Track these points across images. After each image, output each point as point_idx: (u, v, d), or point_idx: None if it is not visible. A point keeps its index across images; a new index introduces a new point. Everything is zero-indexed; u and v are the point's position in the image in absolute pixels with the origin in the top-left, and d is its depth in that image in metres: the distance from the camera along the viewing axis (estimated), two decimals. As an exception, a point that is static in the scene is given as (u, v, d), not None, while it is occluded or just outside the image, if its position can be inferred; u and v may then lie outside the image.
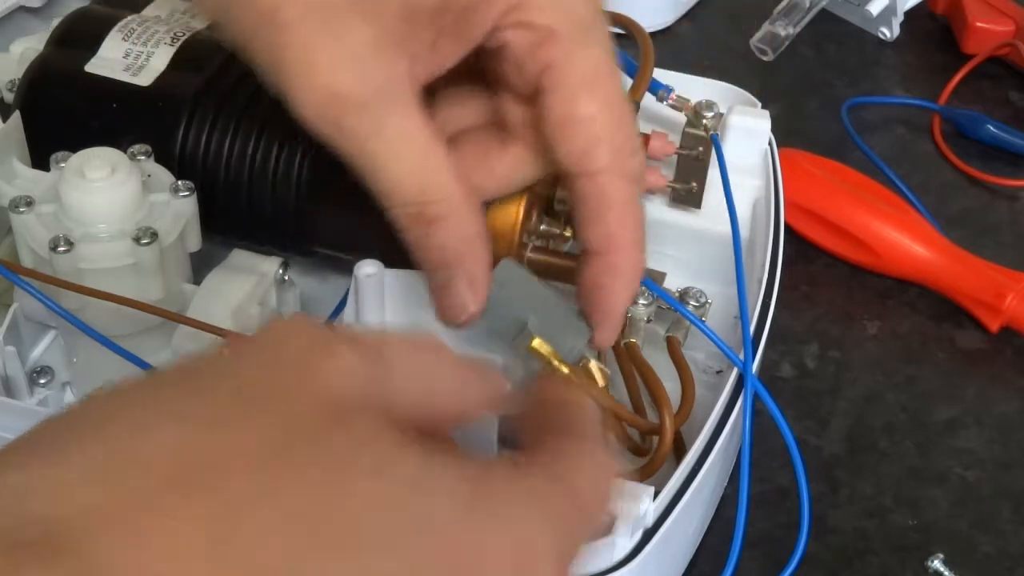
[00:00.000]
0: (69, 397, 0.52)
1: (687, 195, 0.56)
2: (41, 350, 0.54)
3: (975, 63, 0.76)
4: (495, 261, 0.44)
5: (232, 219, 0.53)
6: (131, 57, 0.54)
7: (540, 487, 0.31)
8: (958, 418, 0.58)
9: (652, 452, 0.47)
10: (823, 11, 0.77)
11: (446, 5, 0.40)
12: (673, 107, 0.56)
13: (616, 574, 0.42)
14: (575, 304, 0.46)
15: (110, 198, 0.48)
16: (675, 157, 0.56)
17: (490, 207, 0.47)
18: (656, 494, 0.43)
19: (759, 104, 0.58)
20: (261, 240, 0.53)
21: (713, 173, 0.55)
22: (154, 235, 0.47)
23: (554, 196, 0.52)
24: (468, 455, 0.31)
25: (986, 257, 0.63)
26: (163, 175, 0.50)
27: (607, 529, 0.42)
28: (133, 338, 0.48)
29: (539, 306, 0.45)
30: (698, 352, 0.54)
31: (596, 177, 0.43)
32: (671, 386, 0.48)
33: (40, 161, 0.51)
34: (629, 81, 0.55)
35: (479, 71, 0.46)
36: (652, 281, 0.51)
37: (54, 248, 0.47)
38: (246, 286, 0.50)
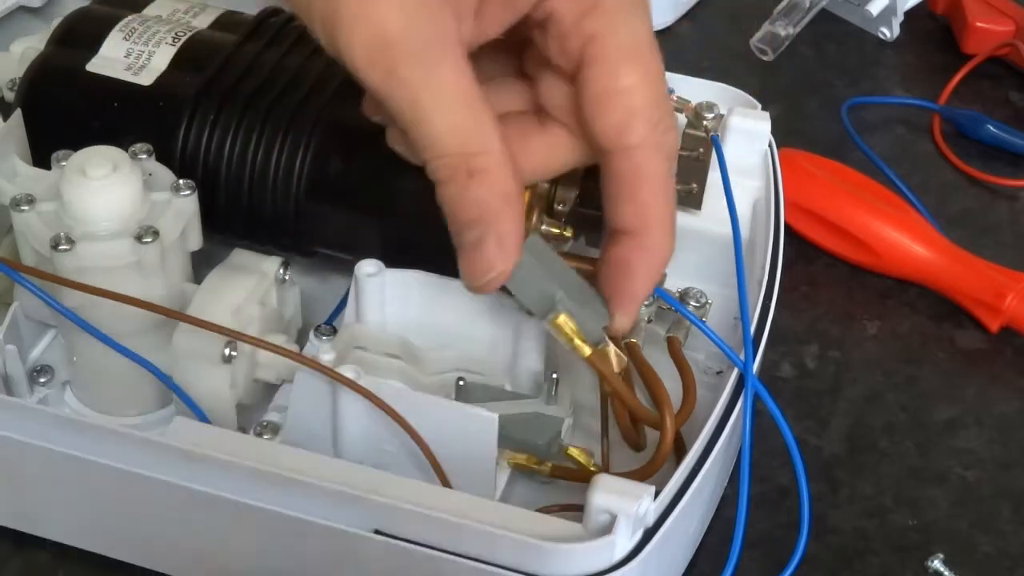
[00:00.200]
0: (69, 396, 0.52)
1: (687, 196, 0.56)
2: (41, 349, 0.54)
3: (975, 63, 0.76)
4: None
5: (233, 218, 0.53)
6: (132, 56, 0.54)
7: None
8: (958, 418, 0.58)
9: (653, 452, 0.47)
10: (823, 11, 0.77)
11: None
12: (674, 108, 0.56)
13: (616, 574, 0.42)
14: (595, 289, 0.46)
15: (111, 197, 0.48)
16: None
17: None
18: (656, 494, 0.43)
19: (759, 106, 0.58)
20: (261, 239, 0.54)
21: (713, 174, 0.55)
22: (155, 234, 0.47)
23: (554, 196, 0.52)
24: None
25: (986, 257, 0.63)
26: (164, 174, 0.50)
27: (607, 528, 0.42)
28: (133, 337, 0.48)
29: (565, 284, 0.45)
30: (698, 352, 0.54)
31: (632, 152, 0.43)
32: (672, 386, 0.49)
33: (41, 160, 0.51)
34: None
35: (520, 56, 0.46)
36: (652, 281, 0.51)
37: (55, 246, 0.47)
38: (247, 285, 0.50)
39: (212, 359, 0.48)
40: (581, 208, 0.52)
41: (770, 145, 0.57)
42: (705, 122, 0.55)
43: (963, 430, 0.57)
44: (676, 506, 0.44)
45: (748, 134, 0.57)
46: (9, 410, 0.47)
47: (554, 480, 0.49)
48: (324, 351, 0.48)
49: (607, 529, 0.42)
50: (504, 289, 0.45)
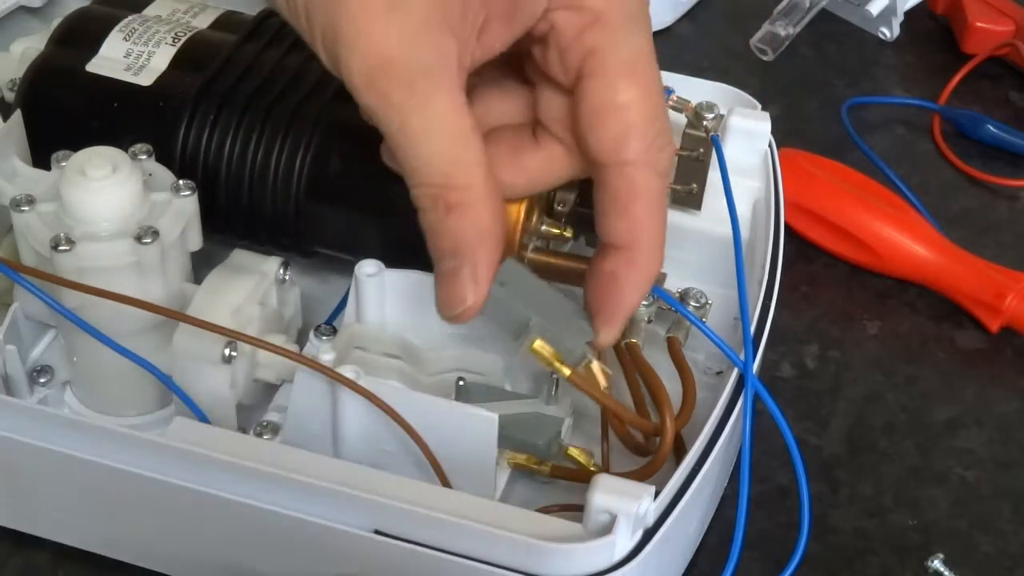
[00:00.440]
0: (69, 396, 0.52)
1: (687, 196, 0.56)
2: (41, 349, 0.54)
3: (975, 63, 0.76)
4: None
5: (233, 218, 0.53)
6: (132, 57, 0.54)
7: None
8: (958, 418, 0.58)
9: (653, 452, 0.47)
10: (823, 11, 0.77)
11: None
12: (674, 108, 0.56)
13: (616, 574, 0.42)
14: (578, 304, 0.46)
15: (111, 197, 0.48)
16: (675, 158, 0.56)
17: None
18: (656, 494, 0.43)
19: (759, 106, 0.58)
20: (261, 240, 0.54)
21: (713, 174, 0.55)
22: (155, 234, 0.47)
23: (554, 197, 0.52)
24: None
25: (986, 257, 0.63)
26: (164, 174, 0.50)
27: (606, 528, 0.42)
28: (133, 337, 0.48)
29: (542, 307, 0.45)
30: (698, 353, 0.54)
31: (626, 168, 0.43)
32: (672, 386, 0.49)
33: (41, 160, 0.51)
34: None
35: (518, 69, 0.46)
36: (652, 281, 0.51)
37: (55, 247, 0.47)
38: (247, 286, 0.50)
39: (212, 359, 0.48)
40: (581, 208, 0.52)
41: (770, 145, 0.57)
42: (705, 122, 0.55)
43: (963, 430, 0.57)
44: (676, 506, 0.44)
45: (748, 134, 0.57)
46: (9, 410, 0.47)
47: (554, 480, 0.49)
48: (324, 351, 0.48)
49: (607, 529, 0.42)
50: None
